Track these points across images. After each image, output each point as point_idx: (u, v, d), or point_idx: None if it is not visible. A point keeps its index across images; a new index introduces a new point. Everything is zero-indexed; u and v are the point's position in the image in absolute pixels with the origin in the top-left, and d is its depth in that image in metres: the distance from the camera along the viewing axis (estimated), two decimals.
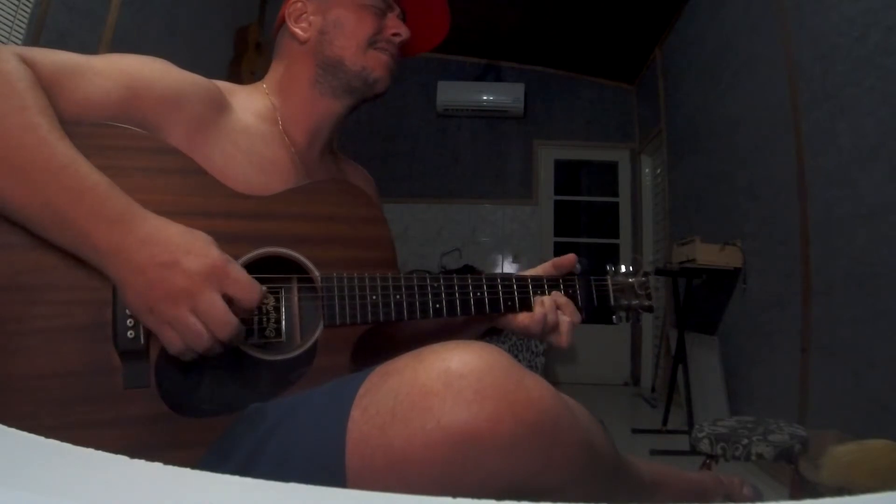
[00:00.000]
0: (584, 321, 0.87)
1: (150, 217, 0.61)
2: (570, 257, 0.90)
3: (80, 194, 0.58)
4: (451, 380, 0.53)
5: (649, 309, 0.93)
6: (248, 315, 0.66)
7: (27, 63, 0.63)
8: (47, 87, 0.64)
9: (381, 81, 0.87)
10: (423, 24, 0.93)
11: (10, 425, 0.38)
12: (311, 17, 0.87)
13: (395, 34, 0.87)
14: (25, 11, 1.75)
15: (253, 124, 0.81)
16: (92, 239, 0.58)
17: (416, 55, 0.98)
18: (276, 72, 0.90)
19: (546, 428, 0.54)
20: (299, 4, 0.87)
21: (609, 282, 0.93)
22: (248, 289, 0.62)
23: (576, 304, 0.87)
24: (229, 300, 0.61)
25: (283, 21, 0.89)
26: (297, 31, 0.87)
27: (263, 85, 0.89)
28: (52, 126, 0.60)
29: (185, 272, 0.58)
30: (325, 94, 0.87)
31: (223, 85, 0.83)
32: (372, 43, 0.86)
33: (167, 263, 0.58)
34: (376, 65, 0.86)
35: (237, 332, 0.61)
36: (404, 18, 0.91)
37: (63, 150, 0.59)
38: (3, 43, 1.67)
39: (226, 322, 0.60)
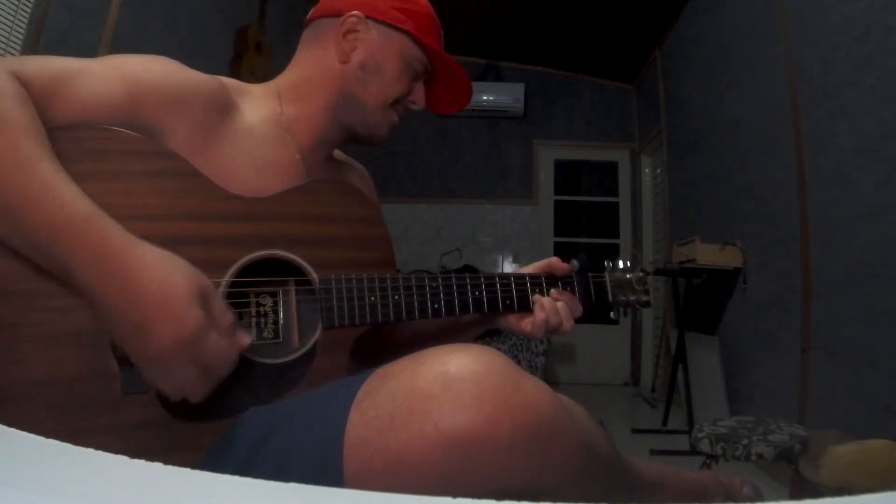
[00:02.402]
0: (582, 318, 0.87)
1: (128, 255, 0.56)
2: (564, 267, 0.90)
3: (58, 228, 0.54)
4: (449, 383, 0.53)
5: (647, 304, 0.93)
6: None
7: (22, 77, 0.61)
8: (46, 94, 0.62)
9: (381, 139, 0.89)
10: (446, 94, 0.94)
11: None
12: (360, 45, 0.83)
13: (413, 103, 0.89)
14: (25, 11, 1.75)
15: (258, 126, 0.80)
16: (75, 275, 0.55)
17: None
18: (296, 73, 0.86)
19: (544, 430, 0.54)
20: (355, 20, 0.83)
21: (607, 278, 0.93)
22: (223, 358, 0.58)
23: None
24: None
25: (324, 14, 0.85)
26: (344, 47, 0.83)
27: (278, 83, 0.86)
28: (34, 147, 0.56)
29: (157, 339, 0.55)
30: (331, 120, 0.85)
31: (232, 83, 0.82)
32: (393, 103, 0.86)
33: (139, 326, 0.55)
34: (387, 125, 0.88)
35: (208, 393, 0.60)
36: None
37: (41, 175, 0.55)
38: (2, 43, 1.67)
39: (197, 392, 0.59)
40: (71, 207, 0.55)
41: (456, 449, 0.52)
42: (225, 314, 0.59)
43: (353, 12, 0.83)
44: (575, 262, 0.91)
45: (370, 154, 0.97)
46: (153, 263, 0.56)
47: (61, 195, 0.55)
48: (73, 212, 0.55)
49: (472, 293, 0.82)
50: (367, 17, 0.83)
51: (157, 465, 0.31)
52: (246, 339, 0.61)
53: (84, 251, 0.55)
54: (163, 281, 0.56)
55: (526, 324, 0.84)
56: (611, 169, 4.99)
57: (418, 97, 0.88)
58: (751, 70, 2.73)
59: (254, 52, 3.08)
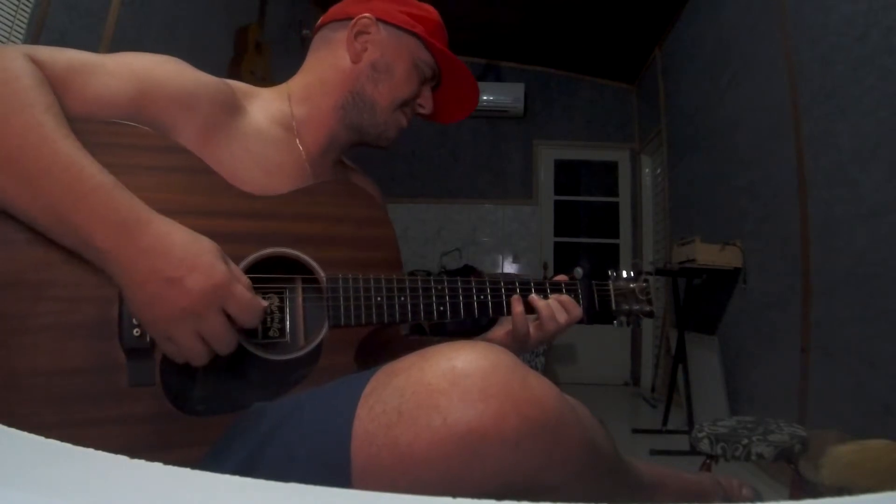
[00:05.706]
0: (584, 322, 0.88)
1: (155, 221, 0.60)
2: (561, 277, 0.93)
3: (82, 196, 0.57)
4: (456, 378, 0.54)
5: (650, 314, 0.94)
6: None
7: (35, 62, 0.62)
8: (57, 85, 0.63)
9: (389, 141, 0.90)
10: (453, 101, 0.96)
11: (12, 422, 0.38)
12: (371, 46, 0.86)
13: (421, 106, 0.91)
14: (25, 11, 1.75)
15: (266, 128, 0.81)
16: (95, 243, 0.57)
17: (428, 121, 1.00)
18: (307, 76, 0.88)
19: (550, 425, 0.55)
20: (367, 21, 0.86)
21: (611, 286, 0.94)
22: (251, 308, 0.62)
23: None
24: (230, 316, 0.61)
25: (336, 19, 0.88)
26: (356, 47, 0.86)
27: (288, 86, 0.88)
28: (56, 124, 0.59)
29: (188, 292, 0.58)
30: (341, 121, 0.87)
31: (238, 86, 0.83)
32: (402, 104, 0.88)
33: (170, 280, 0.58)
34: (395, 126, 0.89)
35: (235, 346, 0.62)
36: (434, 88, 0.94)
37: (67, 150, 0.58)
38: (2, 43, 1.67)
39: (227, 342, 0.61)
40: (97, 178, 0.58)
41: (463, 443, 0.52)
42: (243, 276, 0.63)
43: (365, 14, 0.85)
44: (579, 270, 0.92)
45: (371, 154, 0.97)
46: (178, 229, 0.61)
47: (87, 166, 0.58)
48: (99, 182, 0.58)
49: (478, 297, 0.82)
50: (378, 19, 0.86)
51: (157, 465, 0.31)
52: (264, 301, 0.64)
53: (109, 216, 0.57)
54: (190, 241, 0.60)
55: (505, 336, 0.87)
56: (611, 169, 4.99)
57: (426, 101, 0.91)
58: (751, 70, 2.73)
59: (254, 52, 3.08)
